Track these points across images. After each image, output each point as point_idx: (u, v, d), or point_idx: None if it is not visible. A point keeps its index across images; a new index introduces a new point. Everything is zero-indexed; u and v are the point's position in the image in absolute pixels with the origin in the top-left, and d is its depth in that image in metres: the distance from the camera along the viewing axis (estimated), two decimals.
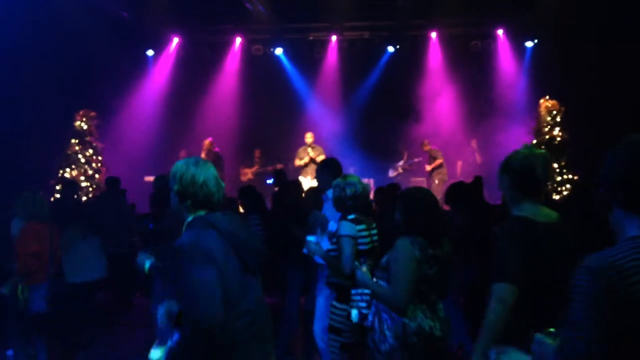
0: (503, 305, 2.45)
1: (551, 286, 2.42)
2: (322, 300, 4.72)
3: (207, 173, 2.55)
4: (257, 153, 12.00)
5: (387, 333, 3.13)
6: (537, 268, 2.45)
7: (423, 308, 3.13)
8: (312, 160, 9.78)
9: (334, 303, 4.02)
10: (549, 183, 8.78)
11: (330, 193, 4.79)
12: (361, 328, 3.36)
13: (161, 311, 2.47)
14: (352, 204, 3.98)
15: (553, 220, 2.62)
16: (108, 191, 7.59)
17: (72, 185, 8.98)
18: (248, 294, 2.47)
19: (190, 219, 2.51)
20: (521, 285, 2.44)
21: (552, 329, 1.78)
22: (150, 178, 10.71)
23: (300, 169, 9.91)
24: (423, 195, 3.30)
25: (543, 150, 2.70)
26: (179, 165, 2.56)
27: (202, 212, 2.53)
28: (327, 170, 4.91)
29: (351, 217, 3.93)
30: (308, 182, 9.31)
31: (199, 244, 2.36)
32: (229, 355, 2.39)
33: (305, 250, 4.55)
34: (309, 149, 9.82)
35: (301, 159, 9.88)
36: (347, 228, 3.85)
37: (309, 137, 9.88)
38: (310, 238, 4.23)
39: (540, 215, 2.60)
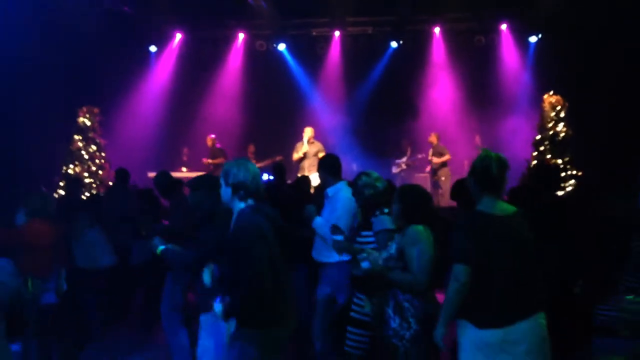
0: (459, 282, 2.93)
1: (499, 269, 2.90)
2: (322, 300, 4.72)
3: (255, 169, 3.28)
4: (250, 149, 11.87)
5: (411, 320, 3.33)
6: (486, 253, 2.92)
7: (431, 293, 3.45)
8: (305, 155, 9.64)
9: (358, 295, 4.00)
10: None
11: (330, 191, 4.79)
12: (381, 317, 3.50)
13: (207, 273, 3.22)
14: (382, 199, 3.99)
15: (509, 213, 3.07)
16: (117, 183, 7.61)
17: (76, 182, 9.01)
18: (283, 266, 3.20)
19: (242, 205, 3.19)
20: (474, 267, 2.91)
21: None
22: (154, 174, 10.70)
23: (299, 164, 9.81)
24: (419, 188, 3.72)
25: (498, 154, 3.13)
26: (232, 164, 3.29)
27: (251, 202, 3.20)
28: (327, 167, 4.90)
29: (387, 210, 3.89)
30: None
31: (254, 225, 3.08)
32: (269, 313, 3.07)
33: (314, 255, 4.57)
34: (306, 144, 9.68)
35: (297, 153, 9.78)
36: (388, 222, 3.84)
37: (306, 132, 9.74)
38: (338, 237, 4.14)
39: (497, 209, 3.06)
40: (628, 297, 1.98)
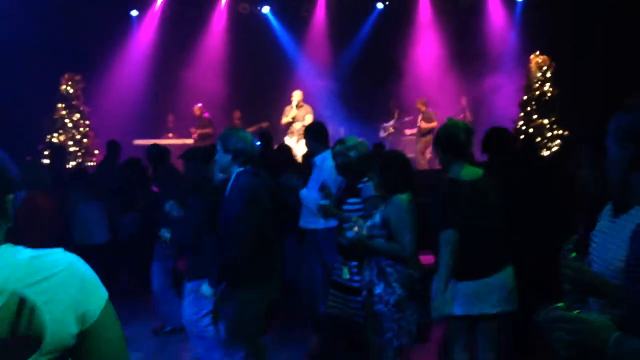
0: (450, 246, 3.14)
1: (473, 230, 3.15)
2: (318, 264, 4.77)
3: (250, 137, 3.56)
4: (236, 114, 11.71)
5: (395, 285, 3.36)
6: (462, 217, 3.15)
7: (416, 258, 3.47)
8: (294, 119, 9.56)
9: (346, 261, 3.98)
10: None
11: (318, 160, 4.78)
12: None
13: None
14: (360, 167, 3.90)
15: (477, 177, 3.26)
16: (110, 155, 7.56)
17: (60, 150, 8.89)
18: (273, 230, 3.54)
19: (241, 169, 3.45)
20: (460, 230, 3.13)
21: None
22: (140, 141, 10.65)
23: (287, 129, 9.73)
24: (400, 156, 3.70)
25: (464, 121, 3.41)
26: (231, 131, 3.59)
27: (248, 167, 3.48)
28: (313, 135, 4.88)
29: (365, 180, 3.86)
30: (292, 142, 9.19)
31: (251, 188, 3.39)
32: (259, 273, 3.40)
33: (302, 223, 4.59)
34: (295, 108, 9.59)
35: (286, 117, 9.69)
36: (371, 190, 3.81)
37: (295, 96, 9.61)
38: (324, 201, 4.11)
39: (465, 174, 3.24)
40: (572, 254, 2.10)
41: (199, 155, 4.16)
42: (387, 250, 3.43)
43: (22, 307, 1.22)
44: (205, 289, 3.47)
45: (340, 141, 4.04)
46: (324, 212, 4.12)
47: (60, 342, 1.25)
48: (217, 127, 11.60)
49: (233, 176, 3.48)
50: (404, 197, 3.42)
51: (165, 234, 4.18)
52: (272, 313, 3.81)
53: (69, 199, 5.76)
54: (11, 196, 1.34)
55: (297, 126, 9.44)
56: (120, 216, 6.14)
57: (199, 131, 11.23)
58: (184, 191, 4.33)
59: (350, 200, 4.01)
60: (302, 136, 9.14)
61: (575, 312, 1.51)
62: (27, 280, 1.24)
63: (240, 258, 3.29)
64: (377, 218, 3.51)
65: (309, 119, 9.32)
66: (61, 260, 1.31)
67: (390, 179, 3.48)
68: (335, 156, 4.01)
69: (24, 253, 1.29)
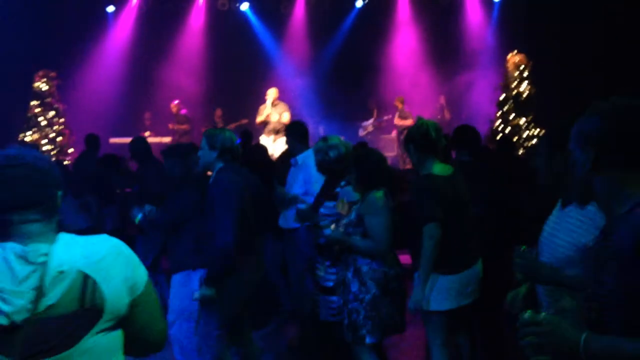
0: (434, 239, 3.25)
1: (452, 224, 3.27)
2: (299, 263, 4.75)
3: (235, 136, 3.82)
4: (218, 112, 11.66)
5: (369, 283, 3.36)
6: (444, 210, 3.27)
7: (392, 255, 3.50)
8: (269, 118, 9.47)
9: (318, 259, 3.97)
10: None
11: (300, 158, 4.80)
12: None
13: None
14: (338, 167, 3.92)
15: (449, 173, 3.42)
16: (88, 150, 7.46)
17: (32, 149, 8.73)
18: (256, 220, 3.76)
19: (222, 165, 3.65)
20: (441, 223, 3.25)
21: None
22: (117, 139, 10.51)
23: (262, 128, 9.63)
24: (374, 153, 3.72)
25: (432, 121, 3.54)
26: (216, 130, 3.86)
27: (233, 164, 3.72)
28: (294, 134, 4.91)
29: (343, 183, 3.86)
30: (269, 141, 9.13)
31: (231, 182, 3.57)
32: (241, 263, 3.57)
33: (282, 223, 4.58)
34: (269, 107, 9.50)
35: (261, 115, 9.61)
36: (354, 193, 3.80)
37: (270, 94, 9.47)
38: (301, 206, 4.18)
39: (438, 170, 3.39)
40: (522, 247, 2.30)
41: (177, 152, 4.29)
42: (362, 247, 3.43)
43: (86, 283, 1.47)
44: (204, 290, 3.56)
45: (323, 139, 4.09)
46: (300, 216, 4.14)
47: (117, 311, 1.52)
48: (195, 124, 11.55)
49: (215, 172, 3.68)
50: (378, 195, 3.42)
51: (137, 213, 4.15)
52: (255, 302, 4.00)
53: None
54: (60, 192, 1.58)
55: (273, 125, 9.37)
56: (100, 211, 6.06)
57: (176, 127, 11.15)
58: (169, 186, 4.45)
59: (327, 204, 4.01)
60: (279, 135, 9.20)
61: (543, 314, 1.52)
62: (86, 261, 1.49)
63: (224, 251, 3.48)
64: (352, 215, 3.53)
65: (286, 117, 9.27)
66: (109, 243, 1.58)
67: (365, 176, 3.49)
68: (315, 153, 4.05)
69: (78, 239, 1.55)
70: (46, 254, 1.46)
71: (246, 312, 3.90)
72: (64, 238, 1.53)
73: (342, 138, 4.33)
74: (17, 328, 1.41)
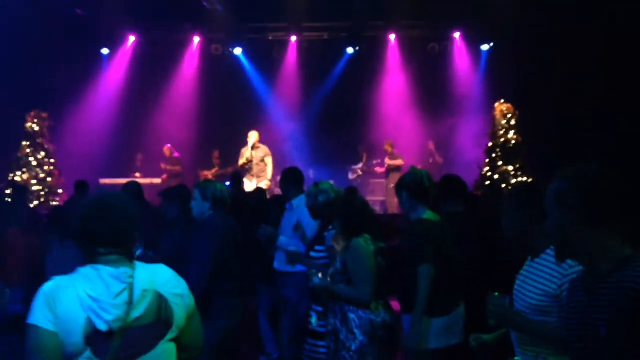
0: (429, 280, 3.40)
1: (442, 266, 3.43)
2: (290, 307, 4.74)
3: (225, 188, 4.25)
4: (215, 154, 11.83)
5: (356, 331, 3.36)
6: (438, 252, 3.45)
7: (381, 303, 3.47)
8: (249, 161, 9.53)
9: (316, 307, 3.98)
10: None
11: (295, 202, 4.91)
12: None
13: None
14: (326, 211, 4.02)
15: (438, 220, 3.66)
16: (77, 195, 7.46)
17: (22, 189, 8.68)
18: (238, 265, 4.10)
19: (211, 212, 4.04)
20: (435, 265, 3.41)
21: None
22: (107, 180, 10.50)
23: (245, 171, 9.67)
24: (355, 200, 3.82)
25: (425, 170, 3.85)
26: (209, 182, 4.33)
27: (222, 213, 4.09)
28: (288, 179, 5.02)
29: (330, 228, 3.94)
30: (252, 184, 9.17)
31: (216, 227, 3.98)
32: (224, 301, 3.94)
33: (276, 265, 4.66)
34: (250, 150, 9.56)
35: (242, 158, 9.67)
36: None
37: (251, 137, 9.56)
38: (292, 248, 4.30)
39: (429, 216, 3.63)
40: (495, 293, 2.42)
41: (177, 195, 4.64)
42: (346, 295, 3.44)
43: (161, 301, 1.90)
44: None
45: (315, 184, 4.24)
46: (292, 259, 4.21)
47: (180, 324, 1.95)
48: (188, 166, 11.64)
49: (204, 219, 4.07)
50: (360, 241, 3.45)
51: (137, 250, 4.22)
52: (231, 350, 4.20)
53: (46, 239, 5.68)
54: (137, 232, 1.98)
55: (255, 167, 9.44)
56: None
57: (168, 167, 11.24)
58: (159, 228, 4.64)
59: (317, 248, 4.10)
60: (260, 178, 9.28)
61: None
62: (159, 283, 1.93)
63: (197, 283, 3.62)
64: (338, 263, 3.55)
65: (268, 161, 9.43)
66: (169, 270, 2.03)
67: (347, 222, 3.55)
68: (306, 197, 4.20)
69: (147, 266, 1.98)
70: (132, 276, 1.86)
71: None
72: (140, 265, 1.95)
73: (332, 182, 4.48)
74: (111, 335, 1.78)
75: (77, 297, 1.78)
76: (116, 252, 1.89)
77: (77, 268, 1.92)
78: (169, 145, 11.56)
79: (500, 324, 2.46)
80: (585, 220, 1.71)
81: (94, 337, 1.75)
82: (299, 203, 4.80)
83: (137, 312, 1.82)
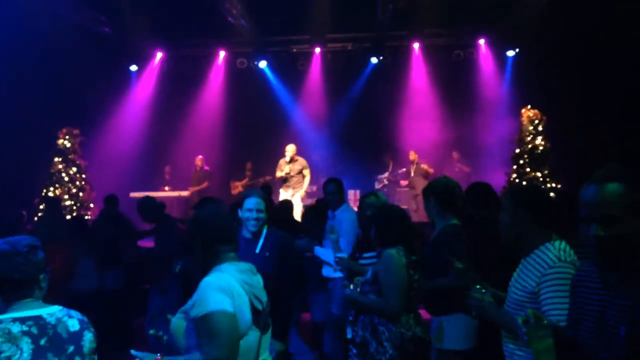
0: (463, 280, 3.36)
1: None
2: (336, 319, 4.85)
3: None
4: (248, 165, 12.05)
5: (386, 344, 3.30)
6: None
7: (412, 316, 3.38)
8: (288, 175, 9.61)
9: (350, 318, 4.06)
10: None
11: (338, 212, 5.22)
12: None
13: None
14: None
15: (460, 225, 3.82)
16: (107, 209, 7.59)
17: (54, 203, 8.89)
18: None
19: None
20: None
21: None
22: (137, 194, 10.69)
23: (282, 183, 9.75)
24: (392, 210, 3.70)
25: (455, 180, 3.98)
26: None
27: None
28: (333, 190, 5.32)
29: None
30: (287, 196, 9.23)
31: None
32: None
33: (325, 272, 4.92)
34: (288, 163, 9.64)
35: (281, 171, 9.76)
36: None
37: (289, 150, 9.63)
38: (341, 254, 4.45)
39: (455, 222, 3.79)
40: (477, 286, 2.60)
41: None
42: (374, 307, 3.38)
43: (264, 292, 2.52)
44: None
45: (375, 194, 4.64)
46: (342, 266, 4.37)
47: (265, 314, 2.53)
48: (216, 177, 11.81)
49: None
50: (393, 252, 3.38)
51: (177, 265, 4.14)
52: None
53: (77, 250, 5.81)
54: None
55: (293, 180, 9.51)
56: (105, 271, 6.09)
57: (196, 189, 11.42)
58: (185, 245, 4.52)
59: (366, 255, 4.24)
60: (296, 190, 9.34)
61: None
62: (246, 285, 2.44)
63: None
64: (369, 274, 3.50)
65: (306, 174, 9.48)
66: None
67: (381, 233, 3.52)
68: (367, 207, 4.46)
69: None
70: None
71: None
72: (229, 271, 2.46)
73: (356, 192, 4.67)
74: (260, 312, 2.40)
75: (241, 286, 2.33)
76: (231, 249, 2.46)
77: (214, 267, 2.36)
78: (201, 156, 11.74)
79: (480, 317, 2.64)
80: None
81: (255, 314, 2.36)
82: (342, 212, 5.19)
83: (264, 298, 2.46)
